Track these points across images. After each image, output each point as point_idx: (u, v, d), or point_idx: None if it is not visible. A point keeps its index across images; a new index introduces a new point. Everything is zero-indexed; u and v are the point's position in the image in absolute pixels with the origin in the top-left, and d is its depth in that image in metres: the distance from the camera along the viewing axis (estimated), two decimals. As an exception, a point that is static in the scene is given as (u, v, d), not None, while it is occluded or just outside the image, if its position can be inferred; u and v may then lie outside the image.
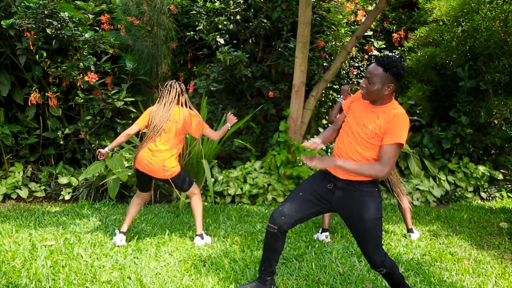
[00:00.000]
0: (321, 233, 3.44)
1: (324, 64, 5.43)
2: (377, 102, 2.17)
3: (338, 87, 5.57)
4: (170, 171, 3.19)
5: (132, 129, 3.28)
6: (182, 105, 3.28)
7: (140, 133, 3.47)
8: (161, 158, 3.15)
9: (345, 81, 5.64)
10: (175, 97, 3.23)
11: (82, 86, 4.85)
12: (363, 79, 2.20)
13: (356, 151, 2.16)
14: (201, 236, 3.33)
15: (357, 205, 2.19)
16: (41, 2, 4.46)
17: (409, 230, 3.51)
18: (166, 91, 3.24)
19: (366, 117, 2.17)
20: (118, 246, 3.18)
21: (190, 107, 3.31)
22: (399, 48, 5.86)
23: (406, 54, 5.68)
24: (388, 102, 2.16)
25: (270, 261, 2.38)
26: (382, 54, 5.86)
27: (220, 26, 5.08)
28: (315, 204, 2.28)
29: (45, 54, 4.77)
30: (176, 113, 3.21)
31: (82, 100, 4.98)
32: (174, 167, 3.21)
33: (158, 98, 3.27)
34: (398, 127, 2.07)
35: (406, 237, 3.52)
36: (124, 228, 3.26)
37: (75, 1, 4.99)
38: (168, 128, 3.18)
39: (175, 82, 3.28)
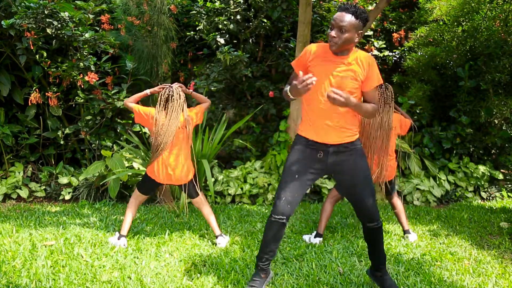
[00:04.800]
0: (314, 237, 3.39)
1: (324, 63, 5.43)
2: (344, 52, 2.16)
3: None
4: (190, 173, 3.19)
5: (130, 105, 3.25)
6: (183, 109, 3.17)
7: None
8: (182, 163, 3.13)
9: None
10: (179, 105, 3.10)
11: (82, 86, 4.85)
12: (332, 30, 2.10)
13: (335, 110, 2.17)
14: (222, 235, 3.32)
15: (352, 164, 2.25)
16: (41, 2, 4.46)
17: (406, 232, 3.50)
18: (171, 100, 3.09)
19: (340, 71, 2.15)
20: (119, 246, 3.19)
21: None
22: (399, 47, 5.86)
23: (406, 54, 5.68)
24: (352, 50, 2.18)
25: (274, 250, 2.37)
26: (380, 52, 5.85)
27: (220, 26, 5.08)
28: (311, 178, 2.29)
29: (45, 54, 4.77)
30: (181, 119, 3.14)
31: (82, 100, 4.99)
32: (191, 167, 3.22)
33: (161, 106, 3.10)
34: (376, 70, 2.18)
35: (405, 238, 3.52)
36: (125, 230, 3.25)
37: (75, 1, 4.99)
38: (177, 134, 3.12)
39: (173, 90, 3.11)
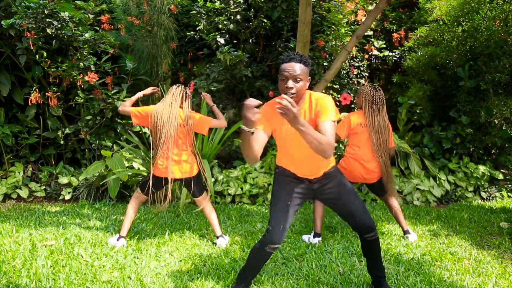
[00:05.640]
0: (313, 237, 3.40)
1: (325, 64, 5.43)
2: (299, 102, 2.16)
3: (338, 86, 5.57)
4: (193, 167, 3.21)
5: (127, 109, 3.26)
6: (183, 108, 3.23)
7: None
8: (183, 159, 3.16)
9: (345, 80, 5.64)
10: (181, 101, 3.20)
11: (82, 86, 4.85)
12: (287, 81, 2.04)
13: (307, 158, 2.23)
14: (222, 236, 3.33)
15: (336, 182, 2.31)
16: (41, 2, 4.46)
17: (406, 232, 3.49)
18: (175, 95, 3.18)
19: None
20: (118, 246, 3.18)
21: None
22: (399, 47, 5.86)
23: (406, 54, 5.68)
24: (304, 97, 2.18)
25: (258, 272, 2.42)
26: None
27: (220, 26, 5.08)
28: (300, 202, 2.34)
29: (45, 54, 4.77)
30: (181, 117, 3.18)
31: (82, 100, 4.99)
32: (195, 162, 3.24)
33: (164, 101, 3.18)
34: (326, 106, 2.11)
35: (405, 238, 3.51)
36: (125, 232, 3.25)
37: (75, 1, 4.99)
38: (177, 132, 3.15)
39: (183, 87, 3.24)
